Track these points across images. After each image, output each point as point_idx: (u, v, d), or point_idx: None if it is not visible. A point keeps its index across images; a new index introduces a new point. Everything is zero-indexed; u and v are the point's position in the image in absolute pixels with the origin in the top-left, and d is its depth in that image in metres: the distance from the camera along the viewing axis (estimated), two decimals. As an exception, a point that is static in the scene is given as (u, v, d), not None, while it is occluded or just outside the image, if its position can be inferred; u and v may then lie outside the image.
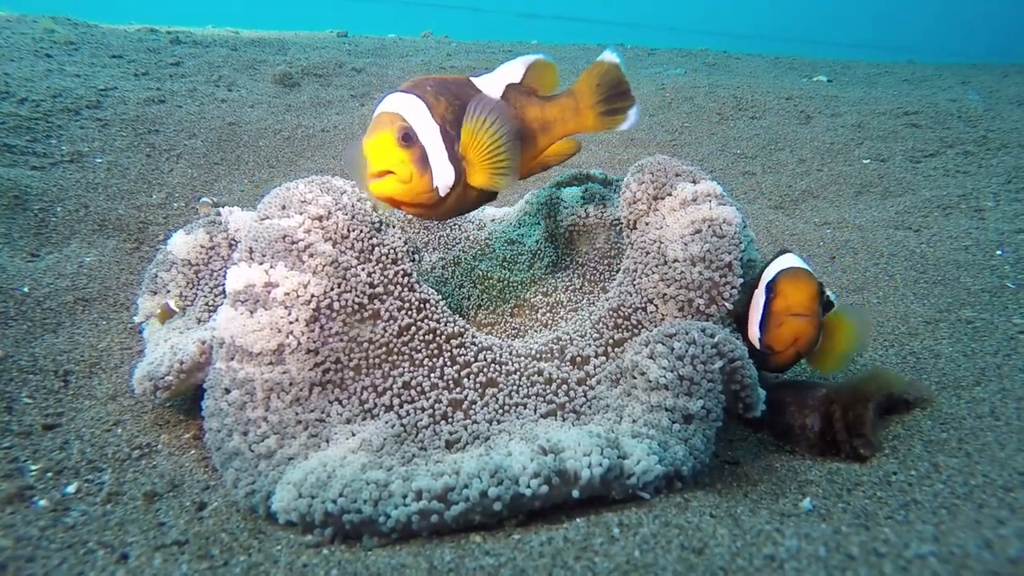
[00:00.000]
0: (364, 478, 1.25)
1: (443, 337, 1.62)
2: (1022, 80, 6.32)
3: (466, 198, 1.62)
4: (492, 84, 1.67)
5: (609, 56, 1.75)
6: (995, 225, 3.03)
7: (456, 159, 1.55)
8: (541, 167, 1.79)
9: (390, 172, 1.49)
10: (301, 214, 1.55)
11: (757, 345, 1.64)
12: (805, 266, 1.63)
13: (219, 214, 2.08)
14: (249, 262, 1.50)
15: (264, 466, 1.38)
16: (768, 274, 1.64)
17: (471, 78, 1.66)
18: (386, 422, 1.49)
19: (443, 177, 1.54)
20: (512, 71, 1.69)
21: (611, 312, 1.71)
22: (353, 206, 1.60)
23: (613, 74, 1.75)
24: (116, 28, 6.36)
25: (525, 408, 1.56)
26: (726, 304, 1.62)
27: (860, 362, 2.15)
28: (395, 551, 1.19)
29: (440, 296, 1.67)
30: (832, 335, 1.65)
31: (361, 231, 1.59)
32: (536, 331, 1.99)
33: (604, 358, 1.65)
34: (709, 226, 1.65)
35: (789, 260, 1.65)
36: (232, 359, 1.46)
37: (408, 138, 1.49)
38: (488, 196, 1.68)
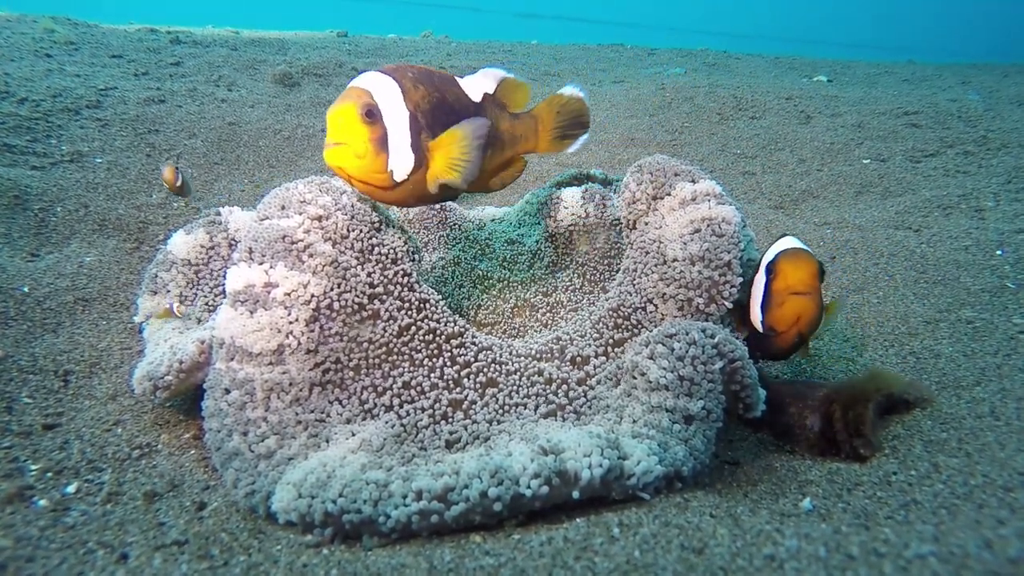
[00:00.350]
0: (364, 478, 1.25)
1: (443, 337, 1.62)
2: (1022, 80, 6.32)
3: (425, 189, 1.59)
4: (475, 86, 1.67)
5: (571, 90, 1.82)
6: (995, 225, 3.03)
7: (420, 148, 1.53)
8: (500, 183, 1.80)
9: (345, 144, 1.48)
10: (301, 214, 1.55)
11: (760, 328, 1.62)
12: (804, 247, 1.62)
13: (183, 180, 2.10)
14: (249, 262, 1.50)
15: (264, 466, 1.38)
16: (768, 256, 1.63)
17: (456, 77, 1.67)
18: (386, 422, 1.49)
19: (400, 162, 1.51)
20: (487, 82, 1.71)
21: (611, 312, 1.71)
22: (353, 206, 1.60)
23: (575, 106, 1.82)
24: (116, 28, 6.36)
25: (525, 408, 1.57)
26: (725, 303, 1.62)
27: (860, 362, 2.15)
28: (395, 551, 1.20)
29: (440, 296, 1.67)
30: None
31: (361, 231, 1.59)
32: (536, 331, 1.99)
33: (604, 358, 1.65)
34: (708, 225, 1.65)
35: (788, 242, 1.63)
36: (232, 359, 1.46)
37: (371, 115, 1.47)
38: (451, 194, 1.66)
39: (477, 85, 1.68)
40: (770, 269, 1.59)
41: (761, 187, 3.82)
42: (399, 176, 1.53)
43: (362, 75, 1.54)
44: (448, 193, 1.65)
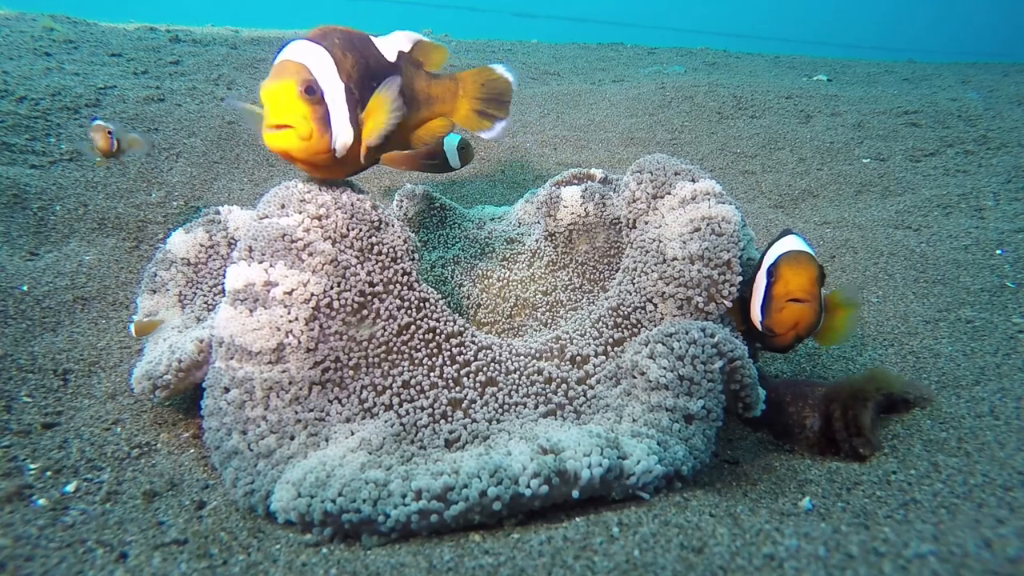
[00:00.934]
0: (363, 477, 1.25)
1: (442, 336, 1.62)
2: (1022, 79, 6.31)
3: (358, 159, 1.58)
4: (389, 46, 1.65)
5: (502, 69, 1.80)
6: (995, 224, 3.03)
7: (356, 121, 1.51)
8: (419, 141, 1.77)
9: (289, 126, 1.42)
10: (300, 213, 1.55)
11: (759, 327, 1.63)
12: (807, 248, 1.61)
13: (115, 137, 2.04)
14: (248, 261, 1.50)
15: (263, 465, 1.38)
16: (769, 257, 1.62)
17: (371, 36, 1.65)
18: (386, 421, 1.48)
19: (342, 138, 1.49)
20: (404, 41, 1.69)
21: (611, 311, 1.71)
22: (352, 205, 1.60)
23: (501, 84, 1.80)
24: (115, 26, 6.34)
25: (525, 407, 1.56)
26: (725, 302, 1.62)
27: (859, 361, 2.15)
28: (394, 550, 1.19)
29: (439, 295, 1.67)
30: (832, 313, 1.65)
31: (360, 230, 1.59)
32: (536, 330, 1.99)
33: (604, 357, 1.65)
34: (708, 224, 1.65)
35: (790, 243, 1.63)
36: (231, 358, 1.46)
37: (312, 91, 1.42)
38: (376, 157, 1.65)
39: (393, 43, 1.66)
40: (771, 272, 1.59)
41: (761, 186, 3.82)
42: (340, 152, 1.51)
43: (292, 46, 1.48)
44: (374, 157, 1.63)
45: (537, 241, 2.18)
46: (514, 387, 1.60)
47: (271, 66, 1.50)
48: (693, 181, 1.75)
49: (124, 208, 2.95)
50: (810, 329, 1.60)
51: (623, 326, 1.69)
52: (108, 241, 2.74)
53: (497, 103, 1.80)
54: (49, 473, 1.50)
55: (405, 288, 1.61)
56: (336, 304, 1.51)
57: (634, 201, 1.81)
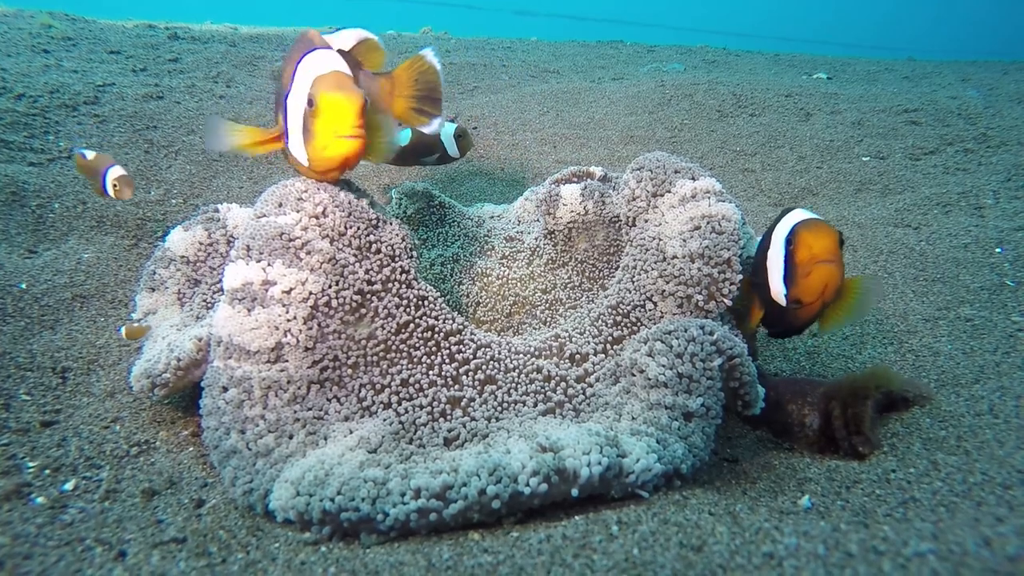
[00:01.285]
0: (362, 476, 1.25)
1: (441, 334, 1.62)
2: (1022, 78, 6.31)
3: None
4: (336, 44, 1.69)
5: (431, 57, 1.79)
6: (994, 223, 3.03)
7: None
8: None
9: (358, 136, 1.47)
10: (298, 211, 1.55)
11: (782, 302, 1.60)
12: (819, 216, 1.59)
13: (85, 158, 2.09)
14: (247, 260, 1.49)
15: (262, 464, 1.38)
16: (783, 229, 1.59)
17: (322, 34, 1.68)
18: (384, 420, 1.48)
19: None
20: (346, 40, 1.73)
21: (610, 309, 1.71)
22: (350, 203, 1.60)
23: (430, 77, 1.79)
24: (114, 24, 6.33)
25: (524, 405, 1.56)
26: (725, 300, 1.62)
27: (859, 359, 2.15)
28: (393, 548, 1.19)
29: (438, 293, 1.67)
30: (844, 295, 1.62)
31: (358, 228, 1.59)
32: (535, 328, 1.99)
33: (603, 355, 1.65)
34: (708, 222, 1.64)
35: (802, 214, 1.61)
36: (230, 357, 1.45)
37: (364, 101, 1.50)
38: None
39: (334, 42, 1.70)
40: (790, 241, 1.56)
41: (760, 184, 3.82)
42: None
43: (327, 57, 1.53)
44: None
45: (536, 239, 2.17)
46: (513, 385, 1.59)
47: (295, 73, 1.54)
48: (693, 179, 1.74)
49: (123, 206, 2.94)
50: (836, 293, 1.56)
51: (622, 324, 1.69)
52: (107, 239, 2.73)
53: (430, 100, 1.81)
54: (48, 471, 1.50)
55: (403, 286, 1.61)
56: (334, 303, 1.51)
57: (634, 199, 1.80)
